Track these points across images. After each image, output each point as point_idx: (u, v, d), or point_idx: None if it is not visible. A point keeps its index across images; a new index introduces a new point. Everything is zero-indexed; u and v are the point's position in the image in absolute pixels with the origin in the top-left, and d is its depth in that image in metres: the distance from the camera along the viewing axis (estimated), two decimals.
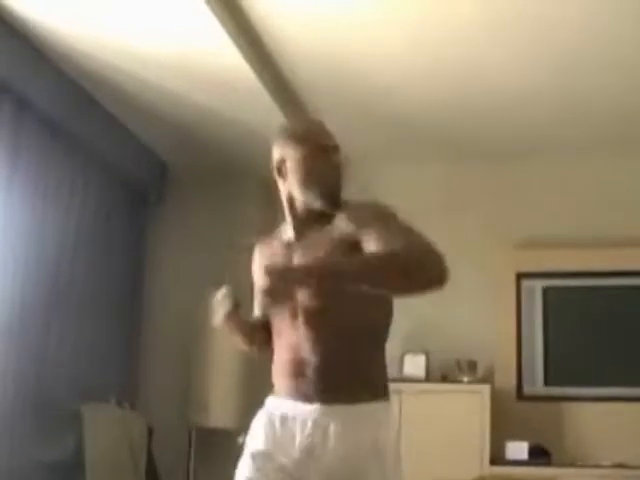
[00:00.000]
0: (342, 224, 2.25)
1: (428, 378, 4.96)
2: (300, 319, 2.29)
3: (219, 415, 4.94)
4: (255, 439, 2.39)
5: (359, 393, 2.27)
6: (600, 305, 5.09)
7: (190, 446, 5.04)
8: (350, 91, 4.61)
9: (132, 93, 4.55)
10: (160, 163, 5.54)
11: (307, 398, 2.28)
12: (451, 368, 4.97)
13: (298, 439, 2.27)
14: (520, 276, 5.17)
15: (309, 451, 2.25)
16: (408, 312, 5.44)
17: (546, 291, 5.16)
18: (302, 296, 2.25)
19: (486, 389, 4.81)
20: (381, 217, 2.25)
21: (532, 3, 3.71)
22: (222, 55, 4.04)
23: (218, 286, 2.52)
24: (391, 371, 5.27)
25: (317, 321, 2.26)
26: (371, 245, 2.15)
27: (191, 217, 5.58)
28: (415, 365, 4.98)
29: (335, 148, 2.35)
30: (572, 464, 4.70)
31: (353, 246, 2.20)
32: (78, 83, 4.45)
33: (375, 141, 5.30)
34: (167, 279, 5.52)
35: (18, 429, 4.10)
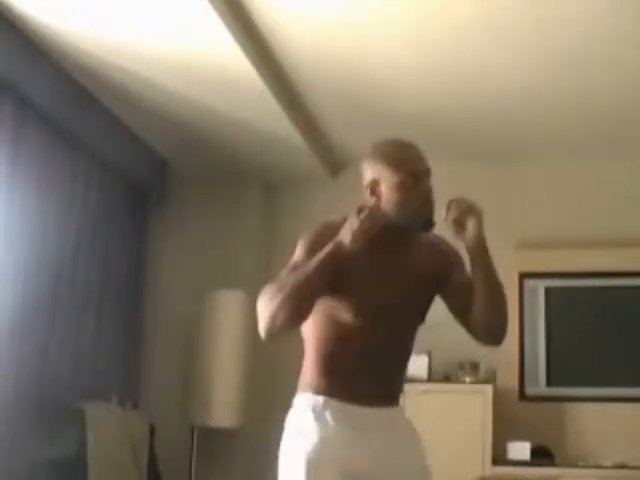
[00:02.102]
0: (440, 251, 2.51)
1: (430, 378, 4.95)
2: (383, 320, 2.38)
3: (221, 414, 4.95)
4: (325, 446, 2.32)
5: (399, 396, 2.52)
6: (603, 305, 5.08)
7: (192, 445, 5.04)
8: (351, 90, 4.60)
9: (134, 92, 4.55)
10: (161, 162, 5.54)
11: (373, 400, 2.38)
12: (453, 368, 4.97)
13: (375, 443, 2.35)
14: (522, 276, 5.17)
15: (385, 454, 2.36)
16: None
17: (549, 291, 5.16)
18: (390, 298, 2.38)
19: (488, 389, 4.80)
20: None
21: (532, 4, 3.70)
22: (224, 54, 4.04)
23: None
24: None
25: (397, 324, 2.42)
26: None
27: (192, 216, 5.58)
28: (417, 365, 4.96)
29: (428, 172, 2.47)
30: (574, 464, 4.70)
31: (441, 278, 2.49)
32: (79, 81, 4.45)
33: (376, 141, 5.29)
34: (168, 278, 5.52)
35: (20, 428, 4.10)
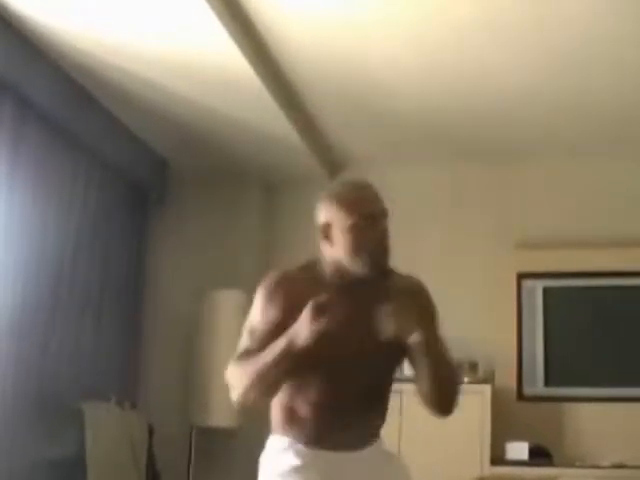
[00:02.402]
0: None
1: None
2: (343, 371, 2.30)
3: (220, 414, 4.94)
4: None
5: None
6: (601, 305, 5.08)
7: (191, 445, 5.04)
8: (350, 90, 4.61)
9: (133, 92, 4.55)
10: (161, 162, 5.54)
11: (341, 446, 2.33)
12: None
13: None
14: (521, 276, 5.17)
15: None
16: None
17: (547, 291, 5.16)
18: (361, 351, 2.29)
19: (487, 389, 4.81)
20: (435, 323, 2.45)
21: (532, 4, 3.71)
22: (223, 54, 4.04)
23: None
24: None
25: (362, 374, 2.33)
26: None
27: (192, 216, 5.58)
28: None
29: (383, 213, 2.35)
30: (572, 464, 4.70)
31: None
32: (79, 82, 4.45)
33: (376, 142, 5.30)
34: (168, 278, 5.52)
35: (19, 427, 4.10)
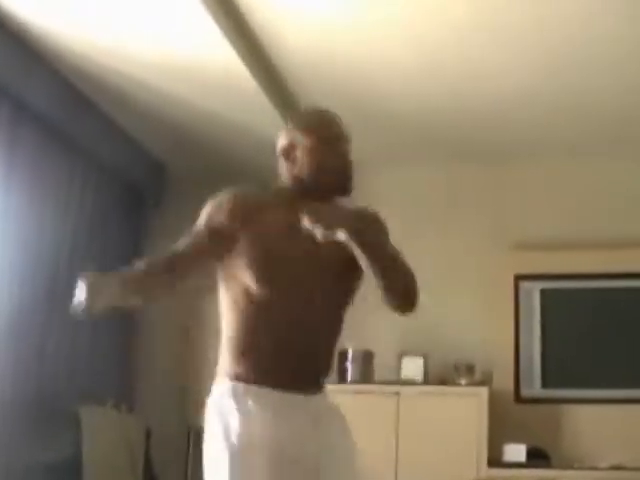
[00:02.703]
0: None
1: (426, 381, 4.95)
2: (300, 292, 2.26)
3: None
4: (250, 435, 2.17)
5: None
6: (598, 307, 5.08)
7: (188, 448, 5.03)
8: (347, 92, 4.60)
9: (130, 94, 4.55)
10: (158, 165, 5.53)
11: (297, 385, 2.26)
12: (449, 371, 4.97)
13: (304, 431, 2.23)
14: (518, 278, 5.17)
15: (316, 443, 2.24)
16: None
17: (544, 293, 5.16)
18: (318, 269, 2.27)
19: (484, 391, 4.80)
20: (387, 237, 2.44)
21: (531, 4, 3.71)
22: (220, 57, 4.04)
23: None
24: (389, 373, 5.30)
25: (318, 298, 2.28)
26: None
27: (189, 219, 5.54)
28: (413, 368, 4.97)
29: (346, 138, 2.41)
30: (570, 466, 4.70)
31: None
32: (75, 85, 4.45)
33: (373, 143, 5.29)
34: None
35: (16, 431, 4.10)
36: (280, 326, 2.25)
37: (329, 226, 2.14)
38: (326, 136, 2.36)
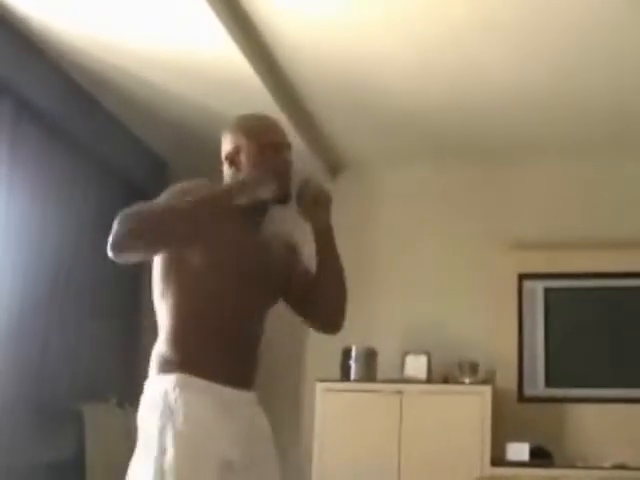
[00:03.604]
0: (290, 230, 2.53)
1: (429, 379, 4.95)
2: (241, 289, 2.30)
3: None
4: (195, 436, 2.15)
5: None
6: (602, 306, 5.08)
7: None
8: (351, 91, 4.60)
9: (133, 92, 4.55)
10: (160, 162, 5.53)
11: (234, 379, 2.29)
12: (452, 369, 4.97)
13: (242, 430, 2.25)
14: (521, 277, 5.16)
15: (251, 443, 2.27)
16: (409, 313, 5.47)
17: (547, 292, 5.15)
18: (261, 274, 2.35)
19: (487, 390, 4.80)
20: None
21: (528, 2, 3.70)
22: (223, 54, 4.04)
23: None
24: (392, 372, 5.30)
25: (255, 298, 2.34)
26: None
27: None
28: (416, 366, 4.97)
29: (288, 145, 2.46)
30: (573, 465, 4.69)
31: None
32: (78, 82, 4.45)
33: (374, 142, 5.29)
34: None
35: (19, 429, 4.10)
36: (222, 322, 2.27)
37: (312, 206, 2.35)
38: (270, 141, 2.41)
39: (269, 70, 4.35)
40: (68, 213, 4.64)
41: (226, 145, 2.45)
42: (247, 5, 3.80)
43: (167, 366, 2.24)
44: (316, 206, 2.37)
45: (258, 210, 2.40)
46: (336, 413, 4.86)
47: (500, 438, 4.71)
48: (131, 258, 2.23)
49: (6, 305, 4.06)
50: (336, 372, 4.95)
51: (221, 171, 2.49)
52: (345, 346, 4.93)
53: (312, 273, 2.46)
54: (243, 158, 2.40)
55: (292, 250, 2.52)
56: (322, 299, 2.44)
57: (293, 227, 2.52)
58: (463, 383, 4.90)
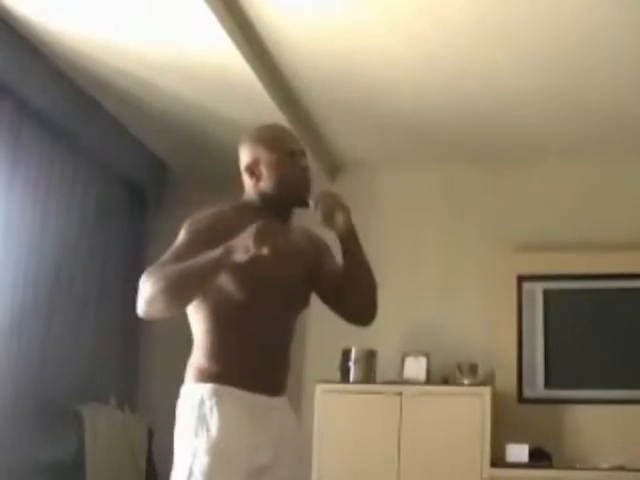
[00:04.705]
0: (312, 241, 2.59)
1: (429, 380, 4.95)
2: (272, 298, 2.39)
3: None
4: (224, 441, 2.28)
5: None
6: (601, 308, 5.08)
7: None
8: (351, 93, 4.60)
9: (133, 94, 4.55)
10: (160, 164, 5.54)
11: (268, 387, 2.39)
12: (452, 370, 4.97)
13: (273, 433, 2.36)
14: (521, 278, 5.16)
15: (281, 447, 2.37)
16: (409, 314, 5.47)
17: (547, 293, 5.15)
18: (286, 279, 2.42)
19: (487, 391, 4.80)
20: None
21: (528, 3, 3.70)
22: (222, 56, 4.04)
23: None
24: (392, 373, 5.30)
25: (285, 305, 2.45)
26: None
27: None
28: (416, 367, 4.97)
29: (304, 153, 2.56)
30: (572, 466, 4.70)
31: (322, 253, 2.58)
32: (78, 84, 4.45)
33: (375, 144, 5.29)
34: None
35: (18, 430, 4.10)
36: (254, 332, 2.38)
37: (331, 216, 2.37)
38: (288, 150, 2.51)
39: (268, 72, 4.36)
40: (68, 214, 4.64)
41: (245, 157, 2.56)
42: (247, 7, 3.81)
43: (203, 376, 2.37)
44: (333, 218, 2.40)
45: (281, 216, 2.48)
46: (336, 414, 4.86)
47: (499, 439, 4.71)
48: (161, 318, 2.35)
49: (6, 306, 4.06)
50: (336, 373, 4.95)
51: (240, 181, 2.60)
52: (344, 347, 4.93)
53: (339, 272, 2.53)
54: (263, 168, 2.50)
55: (322, 250, 2.60)
56: (351, 299, 2.54)
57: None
58: (462, 384, 4.91)
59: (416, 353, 5.01)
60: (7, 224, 4.10)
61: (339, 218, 2.40)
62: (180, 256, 2.34)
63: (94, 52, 4.13)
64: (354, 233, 2.46)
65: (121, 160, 5.11)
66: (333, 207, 2.40)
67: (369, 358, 4.95)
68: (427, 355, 4.99)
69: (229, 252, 2.22)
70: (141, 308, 2.31)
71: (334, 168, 5.59)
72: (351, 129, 5.10)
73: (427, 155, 5.38)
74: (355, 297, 2.53)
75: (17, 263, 4.16)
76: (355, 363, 4.93)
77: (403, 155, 5.40)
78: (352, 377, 4.93)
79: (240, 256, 2.21)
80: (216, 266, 2.25)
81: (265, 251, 2.19)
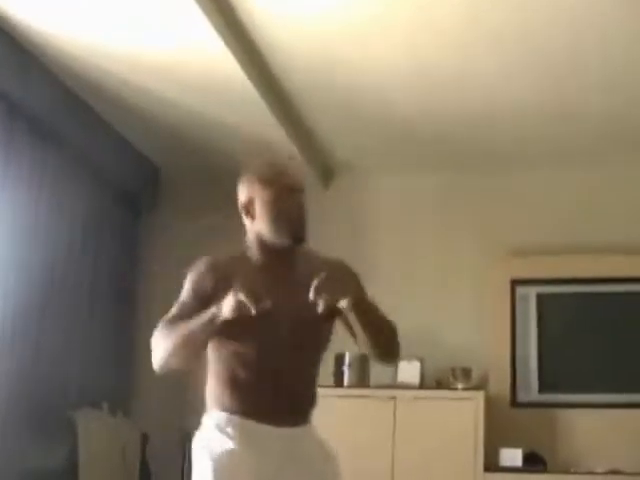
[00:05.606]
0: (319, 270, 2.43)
1: (422, 385, 4.95)
2: (287, 341, 2.41)
3: None
4: (230, 462, 2.39)
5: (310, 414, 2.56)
6: (594, 312, 5.09)
7: (184, 453, 5.01)
8: (343, 97, 4.60)
9: (125, 98, 4.54)
10: (153, 168, 5.53)
11: (277, 419, 2.42)
12: (445, 375, 4.97)
13: (278, 463, 2.40)
14: (514, 283, 5.17)
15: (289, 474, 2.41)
16: (402, 319, 5.45)
17: (540, 298, 5.16)
18: (294, 318, 2.41)
19: (480, 396, 4.80)
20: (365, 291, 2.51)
21: (522, 10, 3.71)
22: (216, 60, 4.04)
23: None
24: (385, 377, 5.29)
25: (297, 341, 2.44)
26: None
27: (184, 222, 5.56)
28: (409, 372, 4.97)
29: (300, 188, 2.51)
30: (566, 471, 4.70)
31: None
32: (70, 88, 4.44)
33: (368, 150, 5.30)
34: (161, 285, 5.49)
35: (11, 436, 4.08)
36: (261, 367, 2.42)
37: (333, 299, 2.29)
38: (281, 187, 2.46)
39: (262, 76, 4.35)
40: (61, 218, 4.63)
41: (241, 196, 2.53)
42: (240, 11, 3.81)
43: (216, 404, 2.50)
44: (338, 303, 2.33)
45: (280, 255, 2.48)
46: (329, 419, 4.84)
47: (493, 444, 4.71)
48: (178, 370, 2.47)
49: None
50: (329, 378, 4.95)
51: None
52: (338, 352, 4.93)
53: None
54: (257, 207, 2.47)
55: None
56: (374, 348, 2.54)
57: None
58: (456, 389, 4.91)
59: (410, 357, 4.99)
60: None
61: (344, 302, 2.31)
62: (183, 311, 2.43)
63: (87, 56, 4.12)
64: (364, 300, 2.40)
65: (113, 164, 5.10)
66: (336, 297, 2.30)
67: (363, 362, 4.94)
68: (421, 359, 4.98)
69: (215, 314, 2.29)
70: (156, 365, 2.47)
71: (327, 173, 5.59)
72: (343, 133, 5.09)
73: (420, 160, 5.38)
74: (378, 348, 2.54)
75: (9, 269, 4.15)
76: (349, 367, 4.93)
77: (396, 160, 5.40)
78: (346, 381, 4.93)
79: (223, 318, 2.28)
80: (208, 326, 2.32)
81: (252, 312, 2.21)
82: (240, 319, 2.26)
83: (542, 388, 5.04)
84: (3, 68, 3.95)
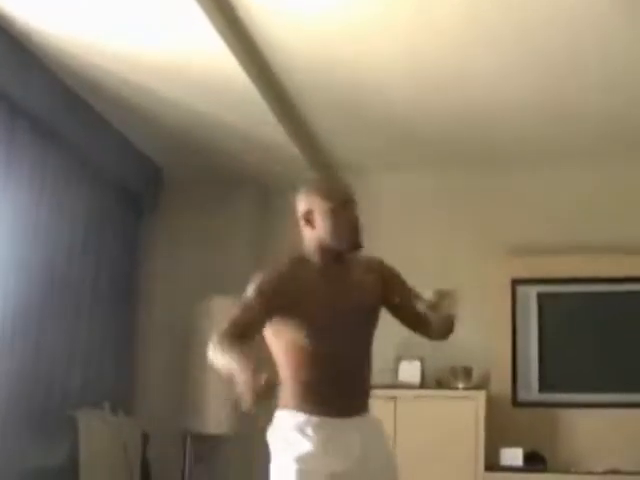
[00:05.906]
0: (374, 269, 2.85)
1: (423, 384, 4.95)
2: (349, 334, 2.67)
3: (214, 421, 4.93)
4: (312, 457, 2.58)
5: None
6: (595, 311, 5.09)
7: (185, 452, 5.03)
8: (344, 96, 4.60)
9: (127, 97, 4.55)
10: (155, 169, 5.53)
11: (348, 412, 2.67)
12: (446, 374, 4.97)
13: (354, 448, 2.63)
14: (515, 282, 5.18)
15: (364, 459, 2.65)
16: None
17: (541, 297, 5.16)
18: (351, 311, 2.70)
19: (481, 395, 4.81)
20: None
21: (522, 10, 3.71)
22: (217, 60, 4.04)
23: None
24: (386, 377, 5.30)
25: (355, 338, 2.71)
26: (419, 304, 2.78)
27: (186, 222, 5.57)
28: (410, 371, 4.97)
29: (354, 201, 2.80)
30: (567, 470, 4.71)
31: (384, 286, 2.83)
32: (71, 88, 4.44)
33: (369, 149, 5.30)
34: (162, 285, 5.51)
35: (12, 436, 4.08)
36: (332, 372, 2.65)
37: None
38: (341, 201, 2.75)
39: (262, 76, 4.36)
40: (62, 217, 4.63)
41: (300, 206, 2.79)
42: (241, 11, 3.81)
43: (292, 403, 2.66)
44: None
45: (337, 260, 2.75)
46: None
47: (494, 443, 4.72)
48: None
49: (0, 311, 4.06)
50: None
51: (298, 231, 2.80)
52: None
53: (412, 307, 2.79)
54: (317, 217, 2.73)
55: (387, 279, 2.86)
56: (437, 332, 2.83)
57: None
58: (457, 388, 4.91)
59: (410, 357, 5.01)
60: (0, 229, 4.09)
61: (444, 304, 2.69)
62: (246, 318, 2.61)
63: (88, 55, 4.12)
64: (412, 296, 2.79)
65: (115, 163, 5.10)
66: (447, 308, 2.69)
67: None
68: (421, 359, 4.99)
69: (235, 377, 2.42)
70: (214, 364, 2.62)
71: (328, 171, 5.59)
72: (344, 133, 5.10)
73: (421, 159, 5.39)
74: (441, 331, 2.81)
75: (10, 269, 4.15)
76: None
77: (397, 159, 5.40)
78: None
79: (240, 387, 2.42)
80: (232, 376, 2.46)
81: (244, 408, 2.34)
82: (306, 324, 2.60)
83: (543, 387, 5.05)
84: (4, 68, 3.95)
